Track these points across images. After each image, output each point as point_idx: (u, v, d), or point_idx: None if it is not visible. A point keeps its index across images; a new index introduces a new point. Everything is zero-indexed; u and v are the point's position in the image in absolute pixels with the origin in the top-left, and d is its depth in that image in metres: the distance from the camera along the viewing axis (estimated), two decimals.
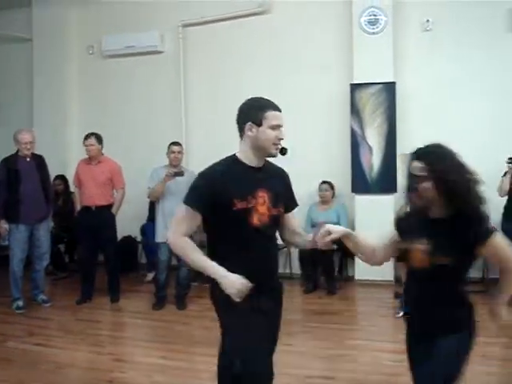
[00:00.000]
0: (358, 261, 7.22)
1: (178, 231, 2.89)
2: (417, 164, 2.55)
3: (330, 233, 2.79)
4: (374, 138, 7.23)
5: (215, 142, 8.00)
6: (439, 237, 2.52)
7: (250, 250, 2.83)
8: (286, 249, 7.60)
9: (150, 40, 8.29)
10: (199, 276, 7.48)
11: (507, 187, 6.11)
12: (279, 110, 2.89)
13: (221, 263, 2.78)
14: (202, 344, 5.23)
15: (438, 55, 7.28)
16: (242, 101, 8.53)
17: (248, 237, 2.83)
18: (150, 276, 7.52)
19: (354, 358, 4.89)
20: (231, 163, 2.93)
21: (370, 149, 7.23)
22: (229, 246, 2.85)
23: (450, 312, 2.60)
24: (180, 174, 6.27)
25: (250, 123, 2.83)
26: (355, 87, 7.28)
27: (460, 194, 2.46)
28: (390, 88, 7.19)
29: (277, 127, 2.83)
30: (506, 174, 6.13)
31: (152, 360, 4.92)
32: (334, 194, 7.37)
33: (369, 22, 7.27)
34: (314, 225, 7.08)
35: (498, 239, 2.56)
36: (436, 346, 2.56)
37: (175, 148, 6.50)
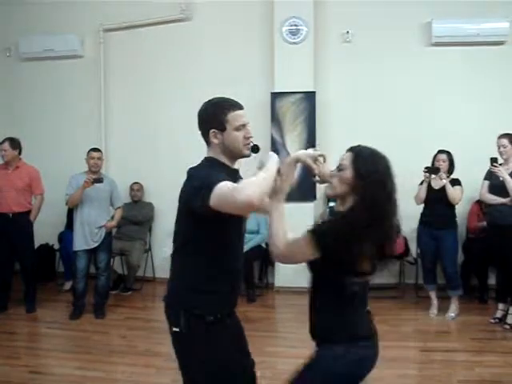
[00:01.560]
0: (277, 268, 7.29)
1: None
2: (345, 154, 2.59)
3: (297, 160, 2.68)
4: (294, 146, 7.30)
5: (135, 148, 7.95)
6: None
7: (235, 251, 2.79)
8: None
9: (70, 44, 8.10)
10: (118, 285, 7.43)
11: (423, 195, 6.28)
12: (241, 108, 2.72)
13: (206, 262, 2.66)
14: (120, 353, 5.21)
15: (357, 66, 7.46)
16: (163, 107, 8.54)
17: (237, 237, 2.80)
18: (68, 285, 7.35)
19: (273, 365, 4.91)
20: (219, 166, 2.71)
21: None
22: (218, 245, 2.67)
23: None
24: (99, 180, 6.18)
25: (212, 130, 2.67)
26: (276, 96, 7.36)
27: (373, 196, 2.39)
28: (310, 97, 7.29)
29: (242, 127, 2.68)
30: (422, 182, 6.31)
31: (69, 371, 4.81)
32: None
33: (290, 32, 7.36)
34: None
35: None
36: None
37: (94, 154, 6.39)
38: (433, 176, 6.21)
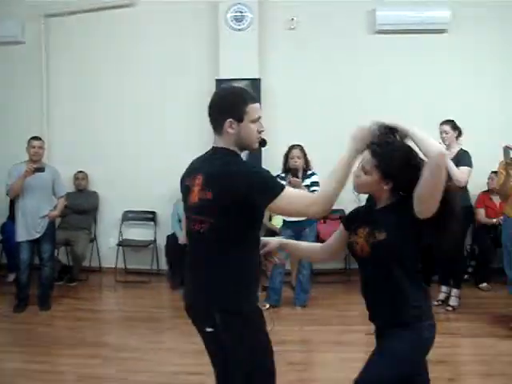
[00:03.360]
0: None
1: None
2: (366, 155, 2.62)
3: (263, 246, 2.80)
4: None
5: (79, 137, 7.81)
6: (378, 219, 2.59)
7: (258, 251, 2.75)
8: (152, 245, 7.56)
9: (10, 30, 7.84)
10: (63, 275, 7.32)
11: None
12: (257, 101, 2.67)
13: (239, 270, 2.58)
14: (66, 345, 5.13)
15: (302, 53, 7.48)
16: (107, 95, 8.39)
17: (258, 237, 2.76)
18: (11, 277, 7.18)
19: None
20: (240, 158, 2.69)
21: None
22: (249, 249, 2.63)
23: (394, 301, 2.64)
24: (41, 169, 6.04)
25: (229, 120, 2.56)
26: (221, 83, 7.28)
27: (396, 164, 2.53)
28: (255, 84, 7.27)
29: (258, 120, 2.64)
30: None
31: (15, 365, 4.71)
32: None
33: (235, 19, 7.33)
34: (181, 220, 7.08)
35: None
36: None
37: (35, 143, 6.23)
38: None
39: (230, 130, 2.57)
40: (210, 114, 2.66)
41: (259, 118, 2.65)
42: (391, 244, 2.54)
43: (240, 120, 2.57)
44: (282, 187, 2.47)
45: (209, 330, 2.57)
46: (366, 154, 2.58)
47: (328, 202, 2.46)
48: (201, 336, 2.71)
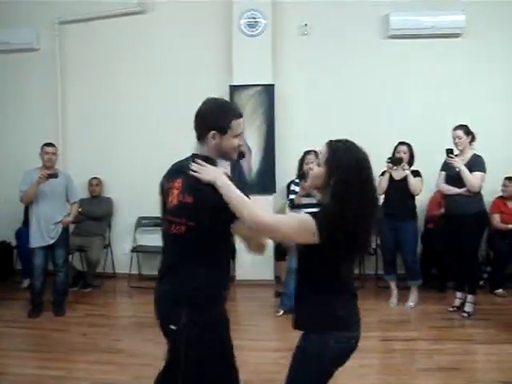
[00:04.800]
0: (239, 261, 7.27)
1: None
2: (323, 148, 2.64)
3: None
4: (253, 139, 7.31)
5: (94, 143, 7.85)
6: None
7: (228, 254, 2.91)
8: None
9: (25, 37, 7.94)
10: (78, 281, 7.34)
11: (385, 186, 6.33)
12: (241, 116, 2.80)
13: (211, 271, 2.70)
14: (80, 351, 5.14)
15: (315, 59, 7.49)
16: (121, 101, 8.42)
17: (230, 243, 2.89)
18: (26, 282, 7.22)
19: (236, 358, 4.92)
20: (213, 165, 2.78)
21: (250, 150, 7.30)
22: (222, 253, 2.77)
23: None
24: (54, 176, 6.07)
25: (213, 132, 2.71)
26: (234, 89, 7.34)
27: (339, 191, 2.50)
28: (268, 90, 7.29)
29: (239, 135, 2.78)
30: (383, 173, 6.36)
31: (29, 371, 4.71)
32: None
33: (248, 25, 7.34)
34: None
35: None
36: None
37: (49, 149, 6.27)
38: (395, 167, 6.28)
39: (213, 141, 2.72)
40: (196, 122, 2.79)
41: (241, 133, 2.80)
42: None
43: (223, 133, 2.71)
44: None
45: (172, 327, 2.65)
46: (323, 147, 2.63)
47: (261, 227, 2.51)
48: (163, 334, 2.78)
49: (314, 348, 2.57)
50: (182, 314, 2.60)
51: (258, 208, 2.51)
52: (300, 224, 2.48)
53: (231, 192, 2.55)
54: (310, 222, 2.46)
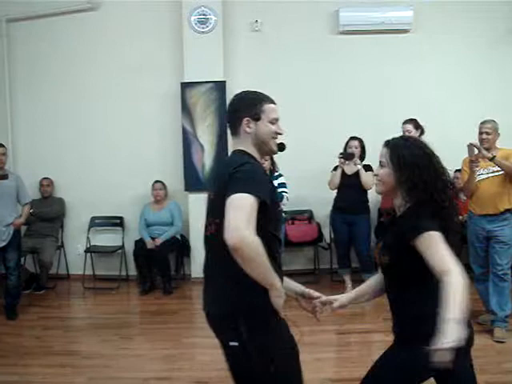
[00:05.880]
0: (193, 259, 7.27)
1: (253, 227, 2.20)
2: (382, 150, 2.56)
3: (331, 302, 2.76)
4: (205, 136, 7.29)
5: (44, 143, 7.73)
6: (387, 235, 2.54)
7: (277, 256, 2.51)
8: (120, 251, 7.51)
9: None
10: (31, 284, 7.22)
11: (338, 181, 6.41)
12: (274, 103, 2.64)
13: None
14: (34, 355, 5.05)
15: (267, 55, 7.51)
16: (71, 100, 8.29)
17: (276, 240, 2.53)
18: None
19: (191, 356, 4.94)
20: (255, 161, 2.54)
21: (202, 147, 7.29)
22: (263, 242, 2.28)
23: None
24: (4, 177, 5.97)
25: (247, 118, 2.53)
26: (186, 86, 7.30)
27: (416, 181, 2.41)
28: (220, 87, 7.27)
29: (275, 121, 2.60)
30: (335, 168, 6.43)
31: None
32: (166, 193, 7.37)
33: (199, 21, 7.31)
34: (148, 225, 7.06)
35: (428, 238, 2.30)
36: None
37: None
38: (347, 162, 6.35)
39: (248, 129, 2.54)
40: (229, 117, 2.65)
41: (277, 119, 2.61)
42: (395, 265, 2.47)
43: (257, 118, 2.54)
44: (252, 192, 2.25)
45: (232, 344, 2.38)
46: (383, 149, 2.56)
47: (245, 244, 2.17)
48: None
49: None
50: (242, 328, 2.34)
51: None
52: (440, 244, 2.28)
53: None
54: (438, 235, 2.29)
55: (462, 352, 2.21)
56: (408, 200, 2.46)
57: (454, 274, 2.17)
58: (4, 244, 6.07)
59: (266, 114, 2.56)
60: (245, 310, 2.36)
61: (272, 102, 2.62)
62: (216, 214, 2.40)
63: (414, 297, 2.45)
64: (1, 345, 5.40)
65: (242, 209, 2.21)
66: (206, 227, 2.54)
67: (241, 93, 2.70)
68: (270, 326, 2.42)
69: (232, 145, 2.66)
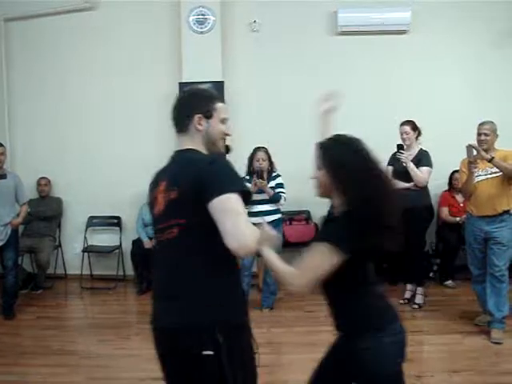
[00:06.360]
0: None
1: (251, 227, 2.18)
2: (316, 152, 2.52)
3: None
4: None
5: (41, 142, 7.73)
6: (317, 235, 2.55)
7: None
8: (117, 250, 7.50)
9: None
10: (28, 283, 7.22)
11: None
12: (225, 102, 2.57)
13: (221, 266, 2.28)
14: (32, 354, 5.06)
15: (265, 55, 7.50)
16: (69, 99, 8.27)
17: None
18: None
19: None
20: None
21: None
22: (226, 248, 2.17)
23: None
24: (2, 176, 5.97)
25: (199, 115, 2.42)
26: (184, 86, 7.25)
27: (347, 181, 2.37)
28: (218, 87, 7.25)
29: (225, 121, 2.52)
30: None
31: None
32: None
33: (197, 21, 7.31)
34: (146, 224, 7.05)
35: (316, 247, 2.34)
36: None
37: None
38: None
39: (199, 127, 2.44)
40: (177, 113, 2.51)
41: (227, 119, 2.54)
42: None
43: (209, 116, 2.45)
44: (237, 190, 2.20)
45: (206, 352, 2.21)
46: (316, 151, 2.52)
47: (248, 251, 2.17)
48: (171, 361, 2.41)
49: None
50: (216, 336, 2.20)
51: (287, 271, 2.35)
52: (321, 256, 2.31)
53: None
54: (325, 246, 2.29)
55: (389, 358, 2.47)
56: (343, 202, 2.41)
57: (296, 283, 2.32)
58: (2, 243, 6.07)
59: (218, 113, 2.48)
60: (220, 317, 2.25)
61: (223, 101, 2.55)
62: (180, 215, 2.28)
63: (345, 296, 2.49)
64: None
65: (238, 213, 2.15)
66: (163, 230, 2.36)
67: (191, 88, 2.65)
68: (243, 330, 2.36)
69: (177, 143, 2.51)
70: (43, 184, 7.63)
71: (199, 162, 2.33)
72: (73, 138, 7.68)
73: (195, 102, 2.49)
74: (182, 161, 2.42)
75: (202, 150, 2.46)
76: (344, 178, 2.38)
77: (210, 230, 2.17)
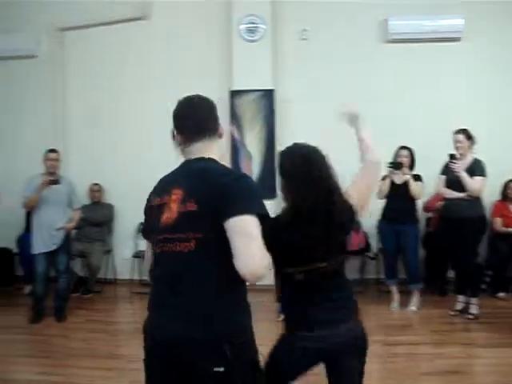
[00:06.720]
0: None
1: (266, 255, 2.13)
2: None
3: None
4: (253, 144, 7.32)
5: (95, 149, 7.86)
6: None
7: None
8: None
9: (25, 43, 7.99)
10: (79, 287, 7.34)
11: (386, 190, 6.34)
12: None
13: (233, 282, 2.19)
14: (80, 357, 5.13)
15: (315, 63, 7.51)
16: (121, 108, 8.37)
17: None
18: (28, 289, 7.24)
19: None
20: None
21: (250, 155, 7.30)
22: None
23: None
24: (56, 182, 6.09)
25: (221, 127, 2.44)
26: (234, 94, 7.35)
27: (290, 189, 2.52)
28: (268, 95, 7.30)
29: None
30: (384, 177, 6.36)
31: (28, 376, 4.71)
32: None
33: (248, 30, 7.36)
34: None
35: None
36: None
37: (51, 155, 6.29)
38: (396, 171, 6.28)
39: (219, 139, 2.45)
40: (203, 118, 2.43)
41: None
42: None
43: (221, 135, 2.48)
44: (261, 212, 2.16)
45: (217, 369, 2.13)
46: None
47: (257, 278, 2.11)
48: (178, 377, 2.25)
49: None
50: (226, 352, 2.13)
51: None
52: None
53: None
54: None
55: None
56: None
57: None
58: (55, 247, 6.19)
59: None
60: (232, 332, 2.19)
61: None
62: (198, 228, 2.18)
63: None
64: (49, 346, 5.51)
65: (252, 237, 2.08)
66: (171, 240, 2.24)
67: (203, 97, 2.50)
68: (251, 345, 2.31)
69: (187, 150, 2.46)
70: (95, 190, 7.77)
71: (224, 176, 2.25)
72: (124, 145, 7.79)
73: (216, 110, 2.47)
74: (202, 171, 2.31)
75: (218, 159, 2.38)
76: (288, 186, 2.55)
77: (225, 246, 2.11)
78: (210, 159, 2.36)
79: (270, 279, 2.52)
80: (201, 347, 2.14)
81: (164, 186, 2.42)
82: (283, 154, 2.62)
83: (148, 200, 2.51)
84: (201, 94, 7.11)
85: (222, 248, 2.11)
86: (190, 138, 2.43)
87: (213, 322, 2.16)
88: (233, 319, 2.22)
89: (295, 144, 2.65)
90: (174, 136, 2.56)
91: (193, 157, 2.41)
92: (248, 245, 2.07)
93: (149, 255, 2.50)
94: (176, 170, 2.49)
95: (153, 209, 2.40)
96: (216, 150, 2.42)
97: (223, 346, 2.13)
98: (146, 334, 2.38)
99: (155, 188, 2.51)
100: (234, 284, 2.21)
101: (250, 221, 2.10)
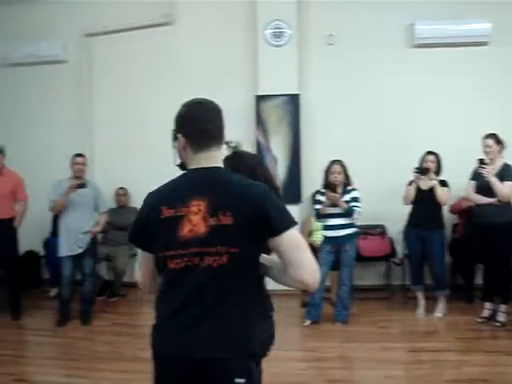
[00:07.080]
0: None
1: None
2: None
3: None
4: (279, 148, 7.31)
5: (121, 153, 7.90)
6: None
7: None
8: None
9: (52, 49, 8.09)
10: (105, 290, 7.38)
11: (412, 196, 6.29)
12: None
13: (259, 299, 2.25)
14: (106, 360, 5.16)
15: (341, 68, 7.49)
16: (148, 113, 8.42)
17: None
18: (54, 291, 7.30)
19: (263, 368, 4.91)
20: None
21: (276, 159, 7.30)
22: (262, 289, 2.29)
23: None
24: (83, 185, 6.14)
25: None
26: (260, 99, 7.35)
27: None
28: (294, 100, 7.30)
29: None
30: (410, 183, 6.32)
31: (55, 378, 4.76)
32: None
33: (274, 35, 7.36)
34: None
35: None
36: None
37: (78, 159, 6.35)
38: (422, 177, 6.23)
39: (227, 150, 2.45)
40: (217, 126, 2.35)
41: None
42: None
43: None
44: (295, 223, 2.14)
45: (238, 380, 2.07)
46: None
47: (317, 285, 2.12)
48: None
49: None
50: (249, 364, 2.13)
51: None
52: None
53: None
54: None
55: None
56: None
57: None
58: (81, 251, 6.24)
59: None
60: (257, 346, 2.17)
61: None
62: (233, 243, 2.07)
63: None
64: (75, 349, 5.56)
65: (307, 247, 2.10)
66: (201, 255, 2.09)
67: (210, 100, 2.41)
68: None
69: (198, 159, 2.26)
70: (121, 194, 7.82)
71: (254, 187, 2.16)
72: (151, 149, 7.81)
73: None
74: (227, 182, 2.18)
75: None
76: None
77: (256, 260, 2.13)
78: (223, 169, 2.28)
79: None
80: (226, 362, 2.08)
81: (177, 197, 2.22)
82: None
83: (152, 211, 2.28)
84: (226, 98, 7.16)
85: (254, 262, 2.12)
86: (202, 145, 2.27)
87: (241, 339, 2.12)
88: (259, 334, 2.20)
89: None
90: (175, 139, 2.42)
91: (200, 166, 2.25)
92: (308, 256, 2.08)
93: (157, 282, 2.37)
94: (183, 179, 2.32)
95: (165, 221, 2.17)
96: (220, 159, 2.32)
97: (248, 361, 2.12)
98: (157, 349, 2.25)
99: (161, 198, 2.32)
100: (262, 297, 2.25)
101: (297, 232, 2.12)
